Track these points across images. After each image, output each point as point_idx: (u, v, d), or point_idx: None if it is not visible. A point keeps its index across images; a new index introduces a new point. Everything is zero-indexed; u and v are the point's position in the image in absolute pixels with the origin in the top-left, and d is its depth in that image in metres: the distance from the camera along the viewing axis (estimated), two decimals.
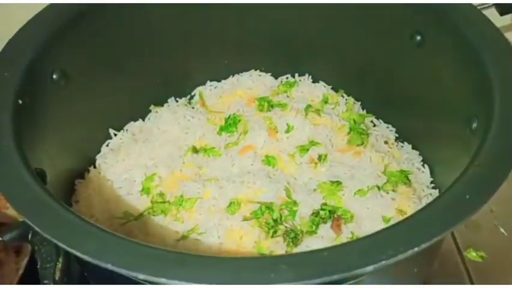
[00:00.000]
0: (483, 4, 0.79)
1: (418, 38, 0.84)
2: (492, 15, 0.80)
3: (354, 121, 0.97)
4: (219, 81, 1.07)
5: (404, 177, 0.85)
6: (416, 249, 0.45)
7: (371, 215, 0.79)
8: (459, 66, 0.75)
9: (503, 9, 0.78)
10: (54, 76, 0.78)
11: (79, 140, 0.88)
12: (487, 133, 0.59)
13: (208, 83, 1.07)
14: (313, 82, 1.06)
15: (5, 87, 0.67)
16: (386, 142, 0.94)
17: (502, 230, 0.91)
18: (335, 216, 0.78)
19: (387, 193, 0.81)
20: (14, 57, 0.70)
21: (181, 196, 0.84)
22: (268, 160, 0.89)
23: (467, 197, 0.50)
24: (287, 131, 0.94)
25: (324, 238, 0.77)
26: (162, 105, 1.03)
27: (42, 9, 0.78)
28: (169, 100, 1.05)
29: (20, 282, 0.66)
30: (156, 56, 0.98)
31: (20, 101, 0.66)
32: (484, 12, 0.78)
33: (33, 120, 0.72)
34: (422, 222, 0.49)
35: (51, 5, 0.79)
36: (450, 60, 0.77)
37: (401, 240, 0.46)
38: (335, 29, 0.97)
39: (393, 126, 0.99)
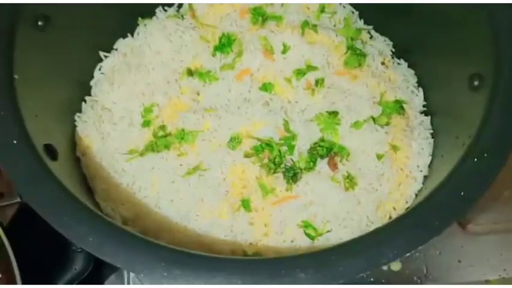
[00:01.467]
0: None
1: None
2: None
3: (352, 38, 0.95)
4: None
5: (399, 107, 0.87)
6: (407, 254, 0.51)
7: (365, 150, 0.83)
8: (465, 9, 0.72)
9: None
10: (39, 23, 0.73)
11: (69, 70, 0.86)
12: (489, 110, 0.60)
13: None
14: None
15: None
16: (382, 63, 0.94)
17: None
18: (332, 153, 0.82)
19: (382, 127, 0.84)
20: None
21: (182, 130, 0.86)
22: (265, 87, 0.90)
23: (462, 193, 0.54)
24: (283, 52, 0.92)
25: (321, 173, 0.83)
26: (150, 17, 0.98)
27: None
28: (156, 11, 0.99)
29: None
30: None
31: (16, 76, 0.63)
32: None
33: (25, 73, 0.69)
34: (418, 223, 0.54)
35: None
36: (456, 6, 0.74)
37: (400, 245, 0.52)
38: None
39: (390, 39, 0.98)
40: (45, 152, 0.63)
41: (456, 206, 0.55)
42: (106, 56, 0.94)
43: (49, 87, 0.76)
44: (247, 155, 0.83)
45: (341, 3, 0.99)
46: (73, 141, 0.84)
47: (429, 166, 0.83)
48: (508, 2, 0.68)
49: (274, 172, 0.82)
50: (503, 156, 0.57)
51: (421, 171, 0.83)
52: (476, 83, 0.70)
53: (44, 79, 0.73)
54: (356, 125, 0.85)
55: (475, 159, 0.58)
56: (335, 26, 0.98)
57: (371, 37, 0.98)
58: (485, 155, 0.57)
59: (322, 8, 0.99)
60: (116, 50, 0.95)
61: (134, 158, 0.85)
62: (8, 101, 0.60)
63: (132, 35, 0.96)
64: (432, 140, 0.86)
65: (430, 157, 0.83)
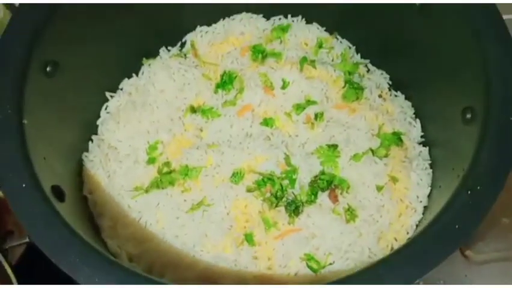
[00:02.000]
0: None
1: (418, 3, 0.81)
2: None
3: (349, 72, 0.97)
4: (209, 25, 1.04)
5: (397, 138, 0.89)
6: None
7: (365, 182, 0.85)
8: (460, 47, 0.75)
9: None
10: (48, 69, 0.77)
11: (77, 112, 0.89)
12: (480, 144, 0.62)
13: (198, 28, 1.04)
14: (306, 23, 1.04)
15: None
16: (380, 95, 0.96)
17: None
18: (332, 186, 0.84)
19: (381, 159, 0.86)
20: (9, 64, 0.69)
21: (186, 166, 0.88)
22: (266, 122, 0.92)
23: (457, 226, 0.56)
24: (283, 87, 0.95)
25: (322, 206, 0.85)
26: (154, 57, 1.02)
27: (20, 4, 0.73)
28: (160, 51, 1.03)
29: None
30: (143, 4, 0.93)
31: (26, 121, 0.66)
32: None
33: (34, 117, 0.72)
34: (415, 256, 0.55)
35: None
36: (450, 37, 0.77)
37: (400, 277, 0.53)
38: None
39: (387, 72, 1.00)
40: (53, 193, 0.66)
41: (452, 238, 0.56)
42: (111, 96, 0.97)
43: (57, 129, 0.79)
44: (249, 190, 0.85)
45: (337, 38, 1.02)
46: (80, 181, 0.86)
47: (429, 197, 0.84)
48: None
49: (277, 206, 0.84)
50: (496, 189, 0.58)
51: (421, 201, 0.84)
52: (468, 116, 0.72)
53: (52, 122, 0.76)
54: (356, 157, 0.87)
55: (469, 192, 0.59)
56: (332, 60, 1.01)
57: (368, 70, 1.01)
58: (479, 187, 0.59)
59: (320, 44, 1.02)
60: (121, 89, 0.98)
61: (139, 195, 0.87)
62: (17, 146, 0.63)
63: (137, 75, 1.00)
64: (431, 170, 0.87)
65: (429, 188, 0.85)
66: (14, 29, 0.72)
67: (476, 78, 0.69)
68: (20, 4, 0.73)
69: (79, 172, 0.87)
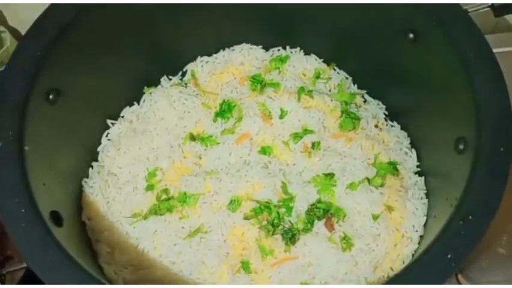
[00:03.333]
0: (479, 5, 0.78)
1: (411, 35, 0.84)
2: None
3: (346, 102, 0.99)
4: (209, 55, 1.07)
5: (393, 168, 0.90)
6: None
7: (361, 210, 0.86)
8: (450, 78, 0.77)
9: (497, 11, 0.78)
10: (50, 97, 0.79)
11: (78, 139, 0.91)
12: (472, 174, 0.63)
13: (199, 58, 1.06)
14: (305, 55, 1.06)
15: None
16: (376, 125, 0.98)
17: None
18: (329, 214, 0.85)
19: (377, 188, 0.87)
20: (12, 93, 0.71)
21: (184, 193, 0.89)
22: (264, 150, 0.94)
23: (449, 256, 0.56)
24: (281, 117, 0.97)
25: (318, 234, 0.85)
26: (155, 86, 1.04)
27: (24, 35, 0.76)
28: (161, 80, 1.05)
29: None
30: (144, 35, 0.96)
31: (27, 148, 0.68)
32: (480, 13, 0.78)
33: (35, 144, 0.73)
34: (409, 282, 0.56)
35: (34, 25, 0.76)
36: (441, 68, 0.79)
37: None
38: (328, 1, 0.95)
39: (383, 102, 1.02)
40: (51, 219, 0.67)
41: (444, 267, 0.57)
42: (113, 123, 0.98)
43: (57, 155, 0.80)
44: (246, 217, 0.86)
45: (335, 69, 1.04)
46: (79, 206, 0.87)
47: (425, 226, 0.85)
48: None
49: (273, 234, 0.84)
50: (487, 219, 0.59)
51: (416, 231, 0.85)
52: (461, 146, 0.73)
53: (53, 148, 0.78)
54: (352, 186, 0.88)
55: (461, 222, 0.60)
56: (330, 91, 1.03)
57: (365, 101, 1.03)
58: (470, 217, 0.59)
59: (317, 74, 1.04)
60: (122, 117, 1.00)
61: (138, 221, 0.88)
62: (18, 173, 0.64)
63: (138, 103, 1.02)
64: (427, 200, 0.88)
65: (425, 217, 0.85)
66: (18, 58, 0.74)
67: (466, 108, 0.70)
68: (24, 34, 0.76)
69: (78, 197, 0.88)
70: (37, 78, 0.75)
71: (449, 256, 0.57)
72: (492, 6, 0.77)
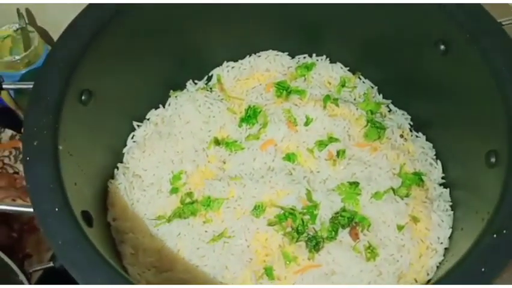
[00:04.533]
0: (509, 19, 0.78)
1: (442, 47, 0.84)
2: None
3: (371, 112, 0.99)
4: (235, 61, 1.07)
5: (418, 179, 0.90)
6: None
7: (385, 221, 0.86)
8: (482, 91, 0.77)
9: None
10: (82, 98, 0.79)
11: (106, 140, 0.91)
12: (505, 187, 0.63)
13: (225, 63, 1.07)
14: (330, 63, 1.06)
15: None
16: (401, 135, 0.97)
17: None
18: (353, 223, 0.85)
19: (402, 198, 0.87)
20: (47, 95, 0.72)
21: (208, 197, 0.90)
22: (289, 156, 0.94)
23: (483, 270, 0.56)
24: (306, 124, 0.97)
25: (342, 243, 0.85)
26: (181, 90, 1.04)
27: (60, 36, 0.77)
28: (187, 84, 1.06)
29: None
30: (174, 38, 0.97)
31: (61, 147, 0.68)
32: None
33: (67, 144, 0.74)
34: None
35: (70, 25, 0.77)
36: (473, 81, 0.79)
37: None
38: (357, 9, 0.95)
39: (408, 113, 1.02)
40: (83, 218, 0.67)
41: (477, 282, 0.56)
42: (138, 126, 0.99)
43: (87, 155, 0.81)
44: (270, 223, 0.86)
45: (360, 78, 1.05)
46: (105, 206, 0.88)
47: (450, 238, 0.84)
48: None
49: (297, 241, 0.84)
50: None
51: (442, 243, 0.84)
52: (493, 160, 0.73)
53: (83, 148, 0.78)
54: (377, 195, 0.88)
55: (495, 235, 0.60)
56: (355, 99, 1.03)
57: (390, 111, 1.03)
58: (505, 231, 0.59)
59: (343, 83, 1.04)
60: (148, 119, 1.01)
61: (162, 224, 0.89)
62: (52, 171, 0.65)
63: (164, 106, 1.02)
64: (452, 212, 0.88)
65: (450, 229, 0.85)
66: (54, 58, 0.75)
67: (498, 120, 0.70)
68: (60, 34, 0.77)
69: (104, 198, 0.88)
70: (71, 79, 0.76)
71: (482, 270, 0.57)
72: None
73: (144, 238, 0.88)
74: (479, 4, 0.78)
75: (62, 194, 0.64)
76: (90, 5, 0.79)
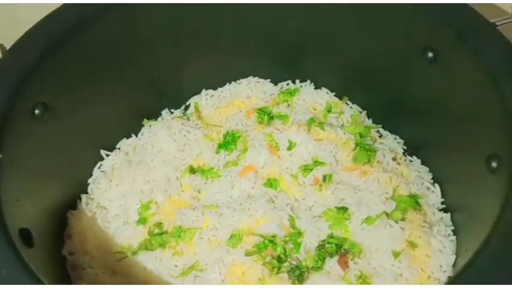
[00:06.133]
0: (505, 19, 0.72)
1: (430, 54, 0.77)
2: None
3: (360, 135, 0.91)
4: (215, 89, 1.01)
5: (414, 202, 0.80)
6: None
7: (379, 248, 0.75)
8: (476, 94, 0.70)
9: None
10: (36, 112, 0.72)
11: (67, 167, 0.83)
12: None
13: (204, 91, 1.01)
14: (315, 88, 1.00)
15: None
16: (393, 158, 0.89)
17: None
18: (342, 250, 0.74)
19: (397, 222, 0.77)
20: None
21: (180, 227, 0.80)
22: (270, 183, 0.85)
23: (491, 278, 0.46)
24: (289, 148, 0.89)
25: (330, 274, 0.74)
26: (156, 119, 0.97)
27: (16, 41, 0.71)
28: (163, 112, 0.99)
29: None
30: (147, 65, 0.91)
31: (0, 155, 0.60)
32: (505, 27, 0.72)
33: (12, 155, 0.66)
34: None
35: (26, 34, 0.72)
36: (465, 85, 0.71)
37: None
38: (338, 30, 0.90)
39: (401, 137, 0.94)
40: (20, 237, 0.58)
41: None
42: (107, 155, 0.91)
43: (39, 175, 0.73)
44: (248, 254, 0.76)
45: (347, 104, 0.98)
46: (58, 234, 0.78)
47: (453, 266, 0.73)
48: None
49: (278, 271, 0.73)
50: None
51: (445, 271, 0.73)
52: (494, 164, 0.64)
53: (33, 166, 0.70)
54: (368, 220, 0.78)
55: (502, 238, 0.49)
56: (342, 125, 0.95)
57: (381, 136, 0.95)
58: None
59: (329, 108, 0.97)
60: (119, 149, 0.93)
61: (125, 258, 0.78)
62: None
63: (136, 135, 0.95)
64: (455, 237, 0.77)
65: (454, 256, 0.74)
66: (4, 66, 0.69)
67: (496, 120, 0.62)
68: (14, 43, 0.71)
69: (60, 226, 0.79)
70: (22, 89, 0.69)
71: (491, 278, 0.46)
72: None
73: (104, 274, 0.77)
74: (465, 4, 0.72)
75: None
76: (47, 16, 0.74)
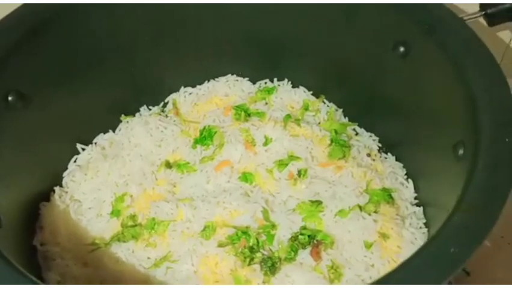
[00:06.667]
0: (472, 14, 0.74)
1: (402, 49, 0.79)
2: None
3: (336, 131, 0.92)
4: (193, 86, 1.02)
5: (387, 195, 0.81)
6: None
7: (352, 239, 0.75)
8: (444, 84, 0.71)
9: (491, 20, 0.73)
10: (9, 98, 0.72)
11: (41, 159, 0.83)
12: (473, 168, 0.55)
13: (182, 89, 1.01)
14: (293, 87, 1.01)
15: None
16: (368, 154, 0.90)
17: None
18: (315, 242, 0.74)
19: (369, 214, 0.77)
20: None
21: (153, 219, 0.80)
22: (246, 177, 0.85)
23: (452, 250, 0.46)
24: (265, 144, 0.89)
25: (303, 265, 0.74)
26: (134, 115, 0.98)
27: None
28: (141, 109, 0.99)
29: None
30: (125, 62, 0.92)
31: None
32: (473, 22, 0.74)
33: None
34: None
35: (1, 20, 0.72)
36: (434, 77, 0.73)
37: None
38: (313, 30, 0.91)
39: (376, 135, 0.95)
40: None
41: (446, 262, 0.46)
42: (83, 149, 0.91)
43: (11, 166, 0.72)
44: (221, 245, 0.76)
45: (324, 102, 0.99)
46: (31, 225, 0.77)
47: None
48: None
49: (250, 262, 0.73)
50: (493, 211, 0.49)
51: None
52: (461, 152, 0.65)
53: (6, 156, 0.70)
54: (341, 213, 0.78)
55: (463, 215, 0.50)
56: (319, 123, 0.96)
57: (357, 134, 0.96)
58: (474, 210, 0.50)
59: (306, 106, 0.98)
60: (95, 143, 0.93)
61: (97, 249, 0.77)
62: None
63: (114, 131, 0.95)
64: (426, 230, 0.78)
65: None
66: None
67: (461, 108, 0.63)
68: None
69: (30, 217, 0.78)
70: None
71: (452, 250, 0.46)
72: (486, 14, 0.73)
73: (75, 265, 0.76)
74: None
75: None
76: (26, 4, 0.74)
